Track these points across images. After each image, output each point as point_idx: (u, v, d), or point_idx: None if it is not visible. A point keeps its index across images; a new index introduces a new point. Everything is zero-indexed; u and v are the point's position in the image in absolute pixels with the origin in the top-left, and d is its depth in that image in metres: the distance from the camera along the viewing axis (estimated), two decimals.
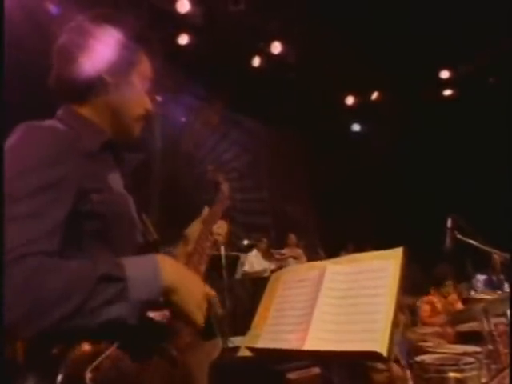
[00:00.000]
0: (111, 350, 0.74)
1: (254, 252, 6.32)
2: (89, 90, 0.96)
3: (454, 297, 3.68)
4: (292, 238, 6.96)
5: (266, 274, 6.07)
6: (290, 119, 7.85)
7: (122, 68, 0.97)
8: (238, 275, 6.22)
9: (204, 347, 0.96)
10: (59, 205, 0.78)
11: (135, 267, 0.78)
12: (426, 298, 3.63)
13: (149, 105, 1.03)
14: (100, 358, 0.72)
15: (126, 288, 0.75)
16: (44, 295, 0.68)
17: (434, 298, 3.61)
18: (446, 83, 7.94)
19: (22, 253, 0.69)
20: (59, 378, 0.69)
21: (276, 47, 6.56)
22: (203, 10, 5.64)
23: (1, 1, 0.95)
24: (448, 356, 1.61)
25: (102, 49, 0.95)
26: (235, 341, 3.36)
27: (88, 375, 0.70)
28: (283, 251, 6.68)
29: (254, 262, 6.22)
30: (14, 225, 0.71)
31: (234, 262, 6.12)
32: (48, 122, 0.91)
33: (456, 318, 2.34)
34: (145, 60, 1.02)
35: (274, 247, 6.79)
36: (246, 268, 6.19)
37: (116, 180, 0.95)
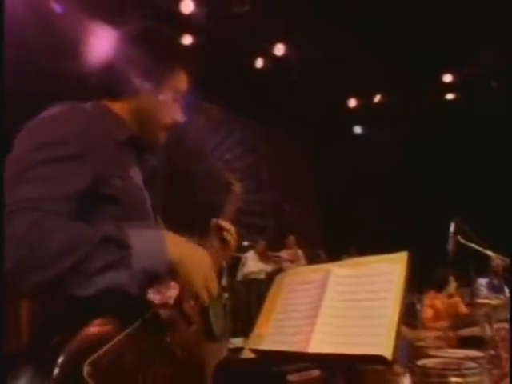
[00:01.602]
0: (113, 344, 0.72)
1: (251, 253, 6.36)
2: (122, 90, 1.01)
3: (456, 300, 3.63)
4: (291, 239, 6.96)
5: (262, 276, 6.10)
6: (293, 121, 7.86)
7: (156, 77, 1.01)
8: (239, 276, 6.23)
9: (210, 349, 0.96)
10: (76, 177, 0.81)
11: (140, 237, 0.79)
12: (428, 302, 3.59)
13: (178, 116, 1.06)
14: (100, 352, 0.70)
15: (129, 255, 0.76)
16: (42, 249, 0.69)
17: (437, 302, 3.57)
18: (448, 87, 7.94)
19: (29, 205, 0.71)
20: (56, 369, 0.67)
21: (279, 49, 6.57)
22: (207, 10, 5.65)
23: (1, 1, 0.96)
24: (450, 360, 1.60)
25: (140, 57, 0.99)
26: (236, 342, 3.35)
27: (86, 368, 0.67)
28: (280, 254, 6.69)
29: (250, 262, 6.27)
30: (28, 184, 0.74)
31: (235, 263, 6.13)
32: (87, 106, 0.97)
33: (458, 323, 2.33)
34: (181, 73, 1.06)
35: (273, 248, 6.79)
36: (244, 269, 6.22)
37: (136, 174, 0.98)
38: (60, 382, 0.67)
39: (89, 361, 0.68)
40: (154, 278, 0.79)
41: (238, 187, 1.36)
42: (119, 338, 0.74)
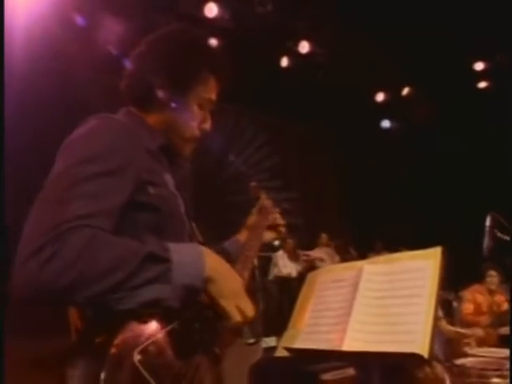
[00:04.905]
0: (159, 337, 0.76)
1: (280, 253, 6.24)
2: (150, 103, 1.02)
3: (500, 297, 3.49)
4: (324, 237, 6.89)
5: (293, 275, 6.01)
6: (319, 118, 7.79)
7: (183, 87, 1.01)
8: (270, 276, 6.21)
9: (245, 350, 0.97)
10: (119, 191, 0.83)
11: (180, 252, 0.81)
12: (469, 296, 3.45)
13: (206, 125, 1.07)
14: (148, 342, 0.74)
15: (170, 270, 0.77)
16: (96, 264, 0.72)
17: (479, 296, 3.43)
18: (480, 75, 7.66)
19: (80, 223, 0.73)
20: (107, 359, 0.70)
21: (304, 46, 6.53)
22: (230, 13, 5.69)
23: (1, 1, 0.99)
24: (491, 360, 1.54)
25: (167, 65, 1.00)
26: (269, 341, 3.36)
27: (137, 356, 0.71)
28: (310, 252, 6.59)
29: (279, 263, 6.17)
30: (76, 202, 0.76)
31: (266, 263, 6.11)
32: (119, 116, 0.99)
33: (499, 320, 2.24)
34: (211, 83, 1.05)
35: (304, 247, 6.73)
36: (276, 268, 6.18)
37: (170, 180, 1.00)
38: (111, 372, 0.70)
39: (139, 349, 0.72)
40: (192, 293, 0.80)
41: (267, 203, 1.37)
42: (164, 330, 0.77)
